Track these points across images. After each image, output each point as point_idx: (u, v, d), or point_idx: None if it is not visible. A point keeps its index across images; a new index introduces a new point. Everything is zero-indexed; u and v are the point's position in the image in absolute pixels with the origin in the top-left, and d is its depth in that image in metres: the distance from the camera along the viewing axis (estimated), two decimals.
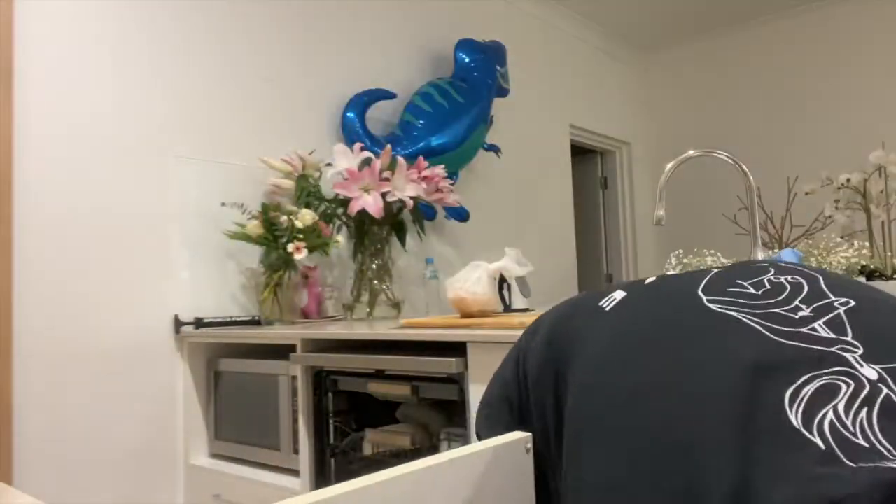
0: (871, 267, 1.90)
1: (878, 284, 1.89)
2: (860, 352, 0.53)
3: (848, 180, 2.18)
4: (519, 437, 0.66)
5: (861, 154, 2.83)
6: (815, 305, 0.59)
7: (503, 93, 3.11)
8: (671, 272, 1.97)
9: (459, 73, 2.96)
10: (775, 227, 2.29)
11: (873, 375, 0.51)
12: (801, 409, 0.49)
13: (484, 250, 3.24)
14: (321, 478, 1.77)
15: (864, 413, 0.48)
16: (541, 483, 0.69)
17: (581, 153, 4.53)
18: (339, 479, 1.80)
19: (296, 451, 1.80)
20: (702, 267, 1.97)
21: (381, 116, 2.79)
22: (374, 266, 2.44)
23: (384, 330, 1.67)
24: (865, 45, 3.90)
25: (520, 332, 1.44)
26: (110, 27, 2.01)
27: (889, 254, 1.97)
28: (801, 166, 3.98)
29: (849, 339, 0.55)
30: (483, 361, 1.48)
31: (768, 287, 0.63)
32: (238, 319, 2.12)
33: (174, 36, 2.17)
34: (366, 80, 2.77)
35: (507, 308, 1.96)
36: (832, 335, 0.55)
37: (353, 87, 2.70)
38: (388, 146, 2.36)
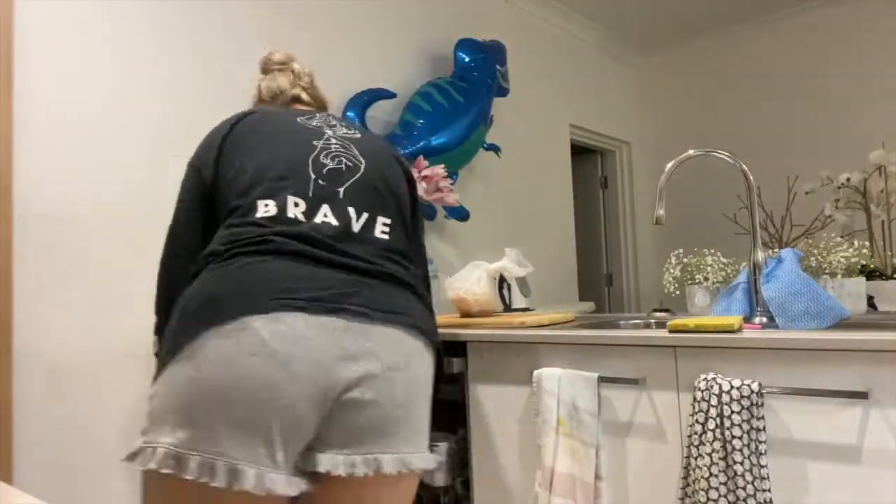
0: (871, 266, 1.90)
1: (879, 284, 1.89)
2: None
3: (848, 180, 2.18)
4: None
5: (861, 154, 2.83)
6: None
7: (503, 92, 3.10)
8: (672, 268, 1.96)
9: (459, 73, 2.95)
10: (775, 227, 2.29)
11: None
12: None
13: (484, 250, 3.24)
14: None
15: None
16: None
17: (581, 153, 4.53)
18: None
19: None
20: (701, 267, 1.96)
21: (381, 116, 2.79)
22: None
23: None
24: (866, 45, 3.90)
25: (519, 332, 1.44)
26: (110, 27, 2.01)
27: (889, 253, 1.97)
28: (801, 166, 3.98)
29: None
30: (483, 361, 1.48)
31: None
32: None
33: (174, 35, 2.17)
34: (366, 79, 2.77)
35: (507, 308, 1.97)
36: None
37: (353, 87, 2.70)
38: None
